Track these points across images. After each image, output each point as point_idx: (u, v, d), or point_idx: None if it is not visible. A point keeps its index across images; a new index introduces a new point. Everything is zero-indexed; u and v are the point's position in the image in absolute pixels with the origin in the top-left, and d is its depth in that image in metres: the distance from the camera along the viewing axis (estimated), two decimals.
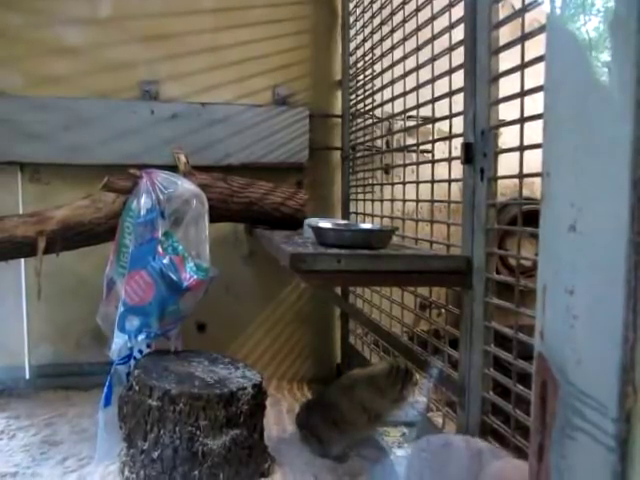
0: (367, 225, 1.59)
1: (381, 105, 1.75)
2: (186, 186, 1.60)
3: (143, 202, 1.55)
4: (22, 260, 1.92)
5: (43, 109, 1.89)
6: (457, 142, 1.22)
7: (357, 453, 1.53)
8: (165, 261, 1.51)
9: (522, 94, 1.03)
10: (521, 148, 1.04)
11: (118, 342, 1.50)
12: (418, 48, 1.45)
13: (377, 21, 1.74)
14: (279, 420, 1.79)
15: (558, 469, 0.38)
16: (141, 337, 1.50)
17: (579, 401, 0.37)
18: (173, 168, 1.70)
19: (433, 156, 1.43)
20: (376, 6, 1.75)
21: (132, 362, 1.50)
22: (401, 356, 1.54)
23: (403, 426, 1.65)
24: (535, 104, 0.78)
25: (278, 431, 1.70)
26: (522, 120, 1.03)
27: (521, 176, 1.05)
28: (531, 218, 0.88)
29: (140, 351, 1.53)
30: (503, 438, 1.07)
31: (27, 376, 2.01)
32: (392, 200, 1.69)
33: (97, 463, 1.45)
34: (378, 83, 1.76)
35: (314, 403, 1.73)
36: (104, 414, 1.48)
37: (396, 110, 1.63)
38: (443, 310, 1.43)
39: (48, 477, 1.40)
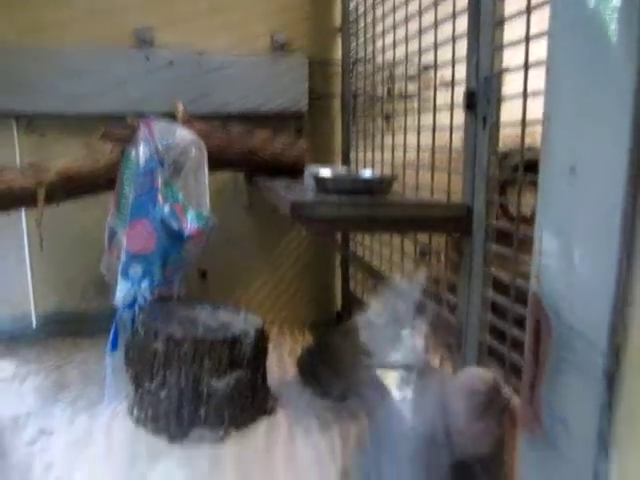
0: (367, 173, 1.59)
1: (382, 51, 1.71)
2: (185, 135, 1.59)
3: (142, 151, 1.54)
4: (23, 212, 1.93)
5: (36, 58, 1.85)
6: (460, 90, 1.21)
7: (357, 394, 1.58)
8: (166, 210, 1.52)
9: (527, 39, 1.01)
10: (525, 95, 1.03)
11: (122, 289, 1.53)
12: None
13: None
14: (281, 363, 1.84)
15: (548, 402, 0.40)
16: (145, 284, 1.53)
17: (571, 338, 0.38)
18: (171, 117, 1.68)
19: (435, 103, 1.41)
20: None
21: (137, 308, 1.54)
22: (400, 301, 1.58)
23: (401, 368, 1.70)
24: (540, 49, 0.76)
25: (280, 373, 1.75)
26: (526, 66, 1.02)
27: (524, 124, 1.05)
28: (532, 168, 0.88)
29: (144, 298, 1.56)
30: None
31: (34, 325, 2.05)
32: (393, 148, 1.68)
33: (106, 404, 1.51)
34: (379, 29, 1.71)
35: (315, 347, 1.78)
36: (111, 358, 1.53)
37: (398, 57, 1.60)
38: (443, 257, 1.45)
39: (60, 417, 1.45)
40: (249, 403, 1.43)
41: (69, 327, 2.03)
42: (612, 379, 0.36)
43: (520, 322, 1.03)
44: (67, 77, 1.87)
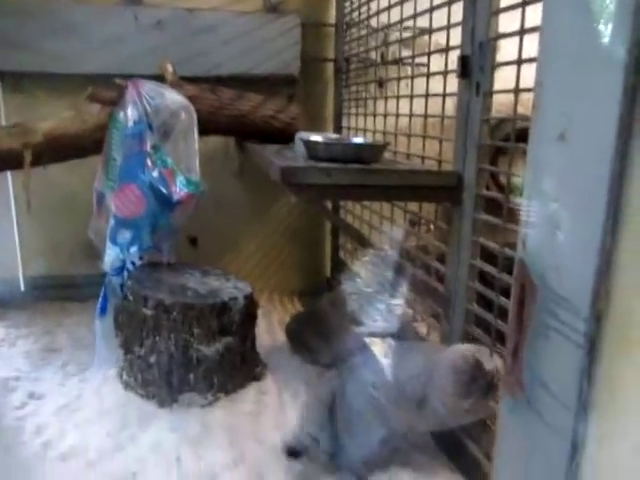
0: (359, 139, 1.57)
1: (377, 14, 1.67)
2: (174, 97, 1.56)
3: (130, 113, 1.51)
4: (9, 174, 1.90)
5: (22, 14, 1.79)
6: (454, 56, 1.19)
7: (345, 360, 1.60)
8: (155, 175, 1.50)
9: (524, 3, 0.99)
10: (519, 62, 1.01)
11: (110, 254, 1.52)
12: None
13: None
14: (270, 330, 1.86)
15: (530, 365, 0.41)
16: (133, 249, 1.52)
17: (555, 303, 0.39)
18: (159, 78, 1.65)
19: (429, 70, 1.39)
20: None
21: (125, 274, 1.53)
22: (389, 270, 1.58)
23: (389, 336, 1.72)
24: (535, 15, 0.75)
25: (269, 340, 1.77)
26: (522, 32, 1.00)
27: (517, 91, 1.04)
28: (525, 137, 0.88)
29: (133, 263, 1.55)
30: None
31: (22, 288, 2.04)
32: (385, 115, 1.66)
33: (96, 368, 1.52)
34: None
35: (305, 315, 1.79)
36: (101, 323, 1.53)
37: (392, 20, 1.56)
38: (432, 226, 1.45)
39: (50, 381, 1.46)
40: (238, 369, 1.44)
41: (58, 291, 2.02)
42: (593, 344, 0.36)
43: (507, 291, 1.04)
44: (53, 35, 1.82)
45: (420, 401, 1.08)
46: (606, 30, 0.37)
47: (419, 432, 1.18)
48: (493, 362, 1.04)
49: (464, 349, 1.09)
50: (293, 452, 1.15)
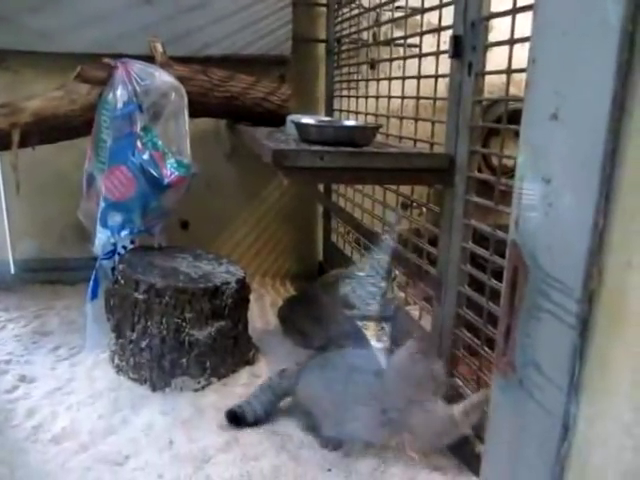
0: (350, 122, 1.56)
1: None
2: (164, 78, 1.53)
3: (119, 94, 1.49)
4: None
5: None
6: (446, 36, 1.17)
7: (338, 344, 1.60)
8: (145, 157, 1.49)
9: None
10: (511, 42, 1.00)
11: (101, 238, 1.51)
12: None
13: None
14: (263, 314, 1.86)
15: (522, 346, 0.41)
16: (124, 233, 1.51)
17: (547, 284, 0.38)
18: (149, 59, 1.62)
19: (421, 50, 1.38)
20: None
21: (116, 257, 1.52)
22: (382, 254, 1.58)
23: (382, 320, 1.73)
24: None
25: (262, 324, 1.77)
26: (514, 11, 0.99)
27: (509, 72, 1.03)
28: (517, 118, 0.87)
29: (124, 247, 1.54)
30: (476, 330, 1.13)
31: (12, 270, 2.03)
32: (377, 97, 1.65)
33: (88, 352, 1.52)
34: None
35: (297, 298, 1.79)
36: (92, 306, 1.52)
37: None
38: (424, 209, 1.45)
39: (41, 364, 1.46)
40: (230, 353, 1.44)
41: (48, 274, 2.01)
42: (585, 325, 0.36)
43: (499, 274, 1.04)
44: (39, 11, 1.78)
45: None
46: (600, 6, 0.37)
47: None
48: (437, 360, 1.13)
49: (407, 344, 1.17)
50: (232, 416, 1.23)
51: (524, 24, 0.85)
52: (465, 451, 1.12)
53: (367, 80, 1.75)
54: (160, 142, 1.52)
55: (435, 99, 1.33)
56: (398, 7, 1.50)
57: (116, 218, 1.51)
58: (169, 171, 1.51)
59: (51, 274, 2.01)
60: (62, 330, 1.66)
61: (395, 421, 1.11)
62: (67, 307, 1.81)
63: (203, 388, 1.38)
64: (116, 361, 1.45)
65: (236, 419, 1.23)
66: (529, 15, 0.62)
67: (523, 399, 0.41)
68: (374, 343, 1.63)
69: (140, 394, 1.35)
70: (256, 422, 1.23)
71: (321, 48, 2.06)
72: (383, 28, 1.79)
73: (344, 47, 1.93)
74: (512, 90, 1.06)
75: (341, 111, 1.96)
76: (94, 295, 1.52)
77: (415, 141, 1.42)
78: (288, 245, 2.23)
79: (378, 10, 1.65)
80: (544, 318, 0.39)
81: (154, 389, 1.37)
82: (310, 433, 1.21)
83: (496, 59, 1.10)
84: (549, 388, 0.39)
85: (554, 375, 0.38)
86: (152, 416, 1.26)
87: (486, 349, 1.09)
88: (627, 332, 0.34)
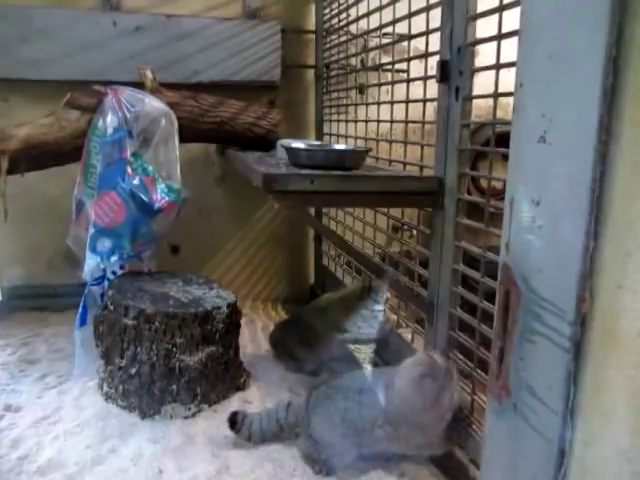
0: (340, 146, 1.57)
1: (356, 20, 1.68)
2: (154, 104, 1.54)
3: (109, 120, 1.50)
4: None
5: None
6: (433, 62, 1.19)
7: (329, 368, 1.59)
8: (135, 182, 1.48)
9: (501, 8, 0.99)
10: (497, 66, 1.02)
11: (90, 263, 1.50)
12: None
13: None
14: (254, 338, 1.84)
15: (516, 369, 0.40)
16: (114, 258, 1.50)
17: (539, 307, 0.38)
18: (139, 85, 1.63)
19: (408, 75, 1.40)
20: None
21: (106, 283, 1.51)
22: (373, 276, 1.58)
23: (374, 343, 1.72)
24: (513, 21, 0.76)
25: (253, 348, 1.75)
26: (500, 37, 1.01)
27: (496, 95, 1.04)
28: (504, 141, 0.88)
29: (113, 272, 1.53)
30: (469, 352, 1.12)
31: (0, 297, 2.00)
32: (366, 121, 1.67)
33: (76, 380, 1.49)
34: None
35: (289, 323, 1.78)
36: (80, 333, 1.50)
37: (372, 26, 1.57)
38: (415, 231, 1.45)
39: (27, 393, 1.43)
40: (222, 379, 1.42)
41: (36, 300, 1.98)
42: (579, 348, 0.36)
43: (490, 296, 1.04)
44: (29, 40, 1.79)
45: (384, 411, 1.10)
46: (584, 31, 0.37)
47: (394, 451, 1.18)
48: (445, 361, 1.09)
49: (417, 355, 1.15)
50: (233, 422, 1.23)
51: (509, 49, 0.86)
52: (460, 476, 1.10)
53: (356, 105, 1.77)
54: (150, 167, 1.52)
55: (424, 123, 1.35)
56: (385, 34, 1.52)
57: (106, 244, 1.50)
58: (159, 196, 1.51)
59: (39, 301, 1.98)
60: (50, 358, 1.63)
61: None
62: (55, 334, 1.78)
63: (193, 415, 1.36)
64: (105, 389, 1.42)
65: (234, 424, 1.23)
66: (514, 40, 0.64)
67: (518, 423, 0.41)
68: (366, 366, 1.62)
69: (129, 422, 1.32)
70: (249, 438, 1.23)
71: (310, 73, 2.08)
72: (371, 54, 1.82)
73: (333, 72, 1.95)
74: (499, 113, 1.08)
75: (331, 135, 1.98)
76: (83, 322, 1.50)
77: (405, 164, 1.43)
78: (279, 269, 2.22)
79: (366, 37, 1.68)
80: (537, 341, 0.39)
81: (143, 417, 1.34)
82: (307, 461, 1.18)
83: (482, 83, 1.12)
84: (544, 412, 0.38)
85: (549, 399, 0.38)
86: (141, 445, 1.23)
87: (479, 371, 1.08)
88: (620, 354, 0.34)
